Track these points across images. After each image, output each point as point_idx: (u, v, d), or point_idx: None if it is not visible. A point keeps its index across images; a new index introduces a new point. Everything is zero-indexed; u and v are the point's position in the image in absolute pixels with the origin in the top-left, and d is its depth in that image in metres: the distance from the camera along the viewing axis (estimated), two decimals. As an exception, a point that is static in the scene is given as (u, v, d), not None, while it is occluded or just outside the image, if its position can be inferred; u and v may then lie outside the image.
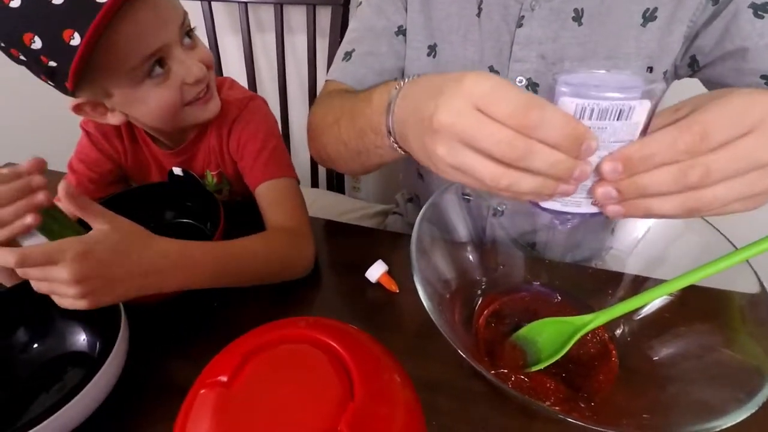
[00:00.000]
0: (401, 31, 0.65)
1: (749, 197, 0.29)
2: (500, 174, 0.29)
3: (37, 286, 0.40)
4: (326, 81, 0.68)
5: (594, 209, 0.32)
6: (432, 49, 0.64)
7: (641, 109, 0.28)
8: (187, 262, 0.46)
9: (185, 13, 0.53)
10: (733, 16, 0.49)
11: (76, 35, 0.42)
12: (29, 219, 0.40)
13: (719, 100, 0.28)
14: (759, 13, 0.48)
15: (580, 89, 0.28)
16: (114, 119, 0.55)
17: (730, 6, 0.49)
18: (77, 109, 0.53)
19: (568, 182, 0.29)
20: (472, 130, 0.29)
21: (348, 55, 0.66)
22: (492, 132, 0.28)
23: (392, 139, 0.42)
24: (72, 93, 0.49)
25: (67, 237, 0.40)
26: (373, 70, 0.65)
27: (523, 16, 0.56)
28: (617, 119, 0.28)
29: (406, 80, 0.41)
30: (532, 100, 0.27)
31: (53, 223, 0.42)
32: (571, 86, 0.28)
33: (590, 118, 0.28)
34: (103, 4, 0.42)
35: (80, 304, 0.40)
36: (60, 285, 0.39)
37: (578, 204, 0.32)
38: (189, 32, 0.53)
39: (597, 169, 0.30)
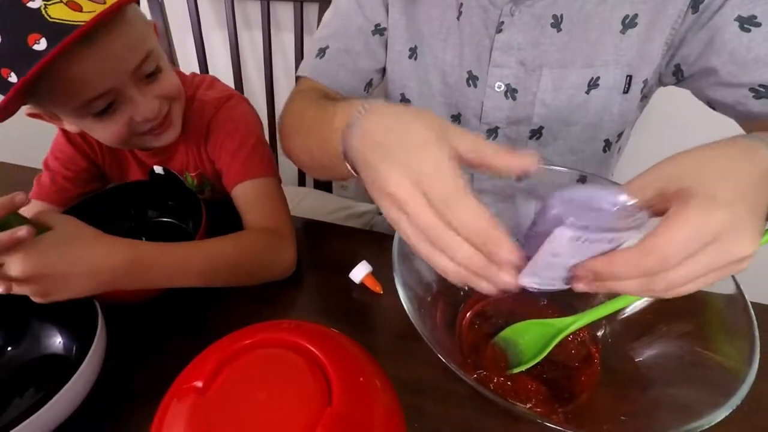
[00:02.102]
0: (378, 31, 0.64)
1: (712, 283, 0.31)
2: (426, 251, 0.32)
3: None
4: (298, 77, 0.66)
5: (563, 287, 0.35)
6: (413, 52, 0.63)
7: (626, 236, 0.31)
8: (138, 264, 0.45)
9: (149, 52, 0.49)
10: (718, 28, 0.48)
11: (13, 75, 0.42)
12: None
13: (676, 218, 0.29)
14: (745, 26, 0.47)
15: (576, 213, 0.30)
16: (70, 127, 0.55)
17: (715, 18, 0.49)
18: (32, 115, 0.51)
19: (491, 279, 0.31)
20: (407, 206, 0.31)
21: (321, 52, 0.64)
22: (419, 214, 0.30)
23: (348, 165, 0.40)
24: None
25: None
26: (346, 69, 0.64)
27: (502, 22, 0.55)
28: (605, 243, 0.31)
29: (365, 108, 0.37)
30: (456, 194, 0.29)
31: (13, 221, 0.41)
32: (565, 210, 0.30)
33: (581, 243, 0.31)
34: (41, 53, 0.40)
35: (36, 299, 0.41)
36: (14, 284, 0.40)
37: (553, 285, 0.35)
38: (152, 71, 0.51)
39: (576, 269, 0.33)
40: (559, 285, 0.36)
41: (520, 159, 0.32)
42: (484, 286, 0.32)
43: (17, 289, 0.40)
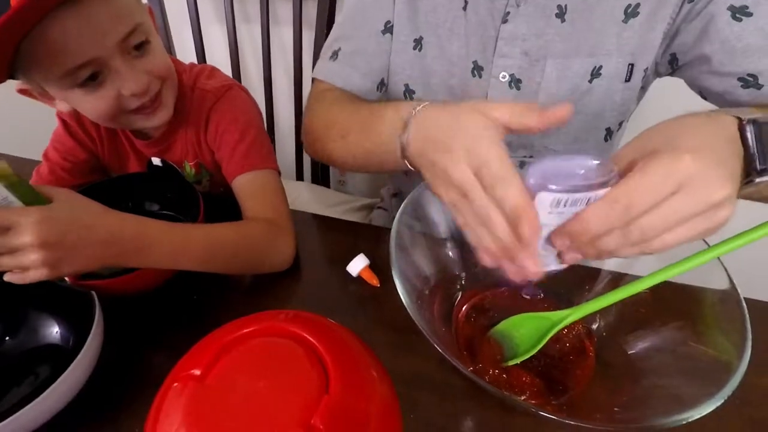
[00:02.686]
0: (388, 29, 0.64)
1: (696, 235, 0.32)
2: (476, 229, 0.36)
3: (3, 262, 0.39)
4: (314, 79, 0.67)
5: (562, 266, 0.38)
6: (418, 43, 0.63)
7: (602, 194, 0.33)
8: (144, 239, 0.46)
9: (138, 24, 0.49)
10: (712, 17, 0.49)
11: None
12: None
13: (641, 169, 0.31)
14: (737, 16, 0.48)
15: (553, 180, 0.33)
16: (62, 106, 0.54)
17: (709, 6, 0.49)
18: (23, 92, 0.51)
19: (516, 256, 0.35)
20: (471, 191, 0.35)
21: (335, 54, 0.65)
22: (480, 198, 0.35)
23: (406, 162, 0.46)
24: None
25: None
26: (360, 71, 0.64)
27: (508, 12, 0.56)
28: (585, 205, 0.33)
29: (421, 107, 0.44)
30: (507, 175, 0.34)
31: (21, 194, 0.41)
32: (543, 178, 0.33)
33: (563, 206, 0.33)
34: (15, 7, 0.39)
35: (42, 273, 0.40)
36: (22, 254, 0.39)
37: (548, 265, 0.38)
38: (141, 44, 0.50)
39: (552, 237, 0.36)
40: (553, 264, 0.38)
41: (555, 113, 0.36)
42: (513, 270, 0.36)
43: (24, 259, 0.39)
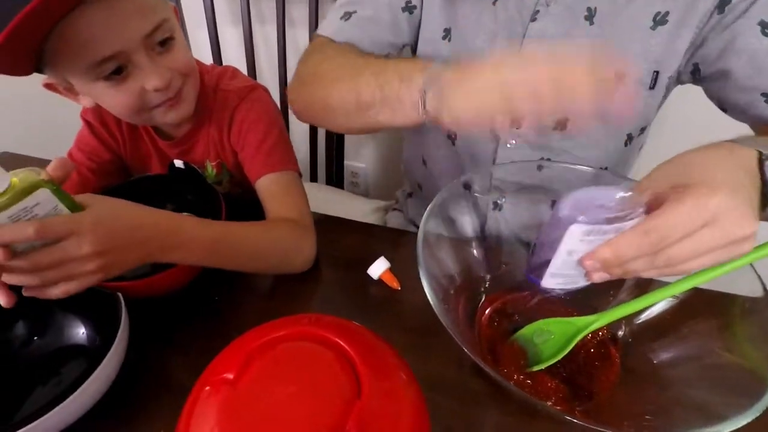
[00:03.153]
0: (409, 8, 0.63)
1: (718, 263, 0.35)
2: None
3: (45, 276, 0.38)
4: (317, 35, 0.65)
5: (586, 284, 0.40)
6: (447, 33, 0.63)
7: (629, 225, 0.35)
8: (181, 234, 0.46)
9: (163, 21, 0.49)
10: (740, 30, 0.49)
11: None
12: None
13: (676, 203, 0.33)
14: (766, 31, 0.48)
15: (585, 212, 0.35)
16: (85, 101, 0.55)
17: (739, 20, 0.49)
18: (49, 86, 0.52)
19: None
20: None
21: (348, 15, 0.63)
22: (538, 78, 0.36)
23: (423, 93, 0.43)
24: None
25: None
26: (371, 38, 0.63)
27: (537, 11, 0.56)
28: (613, 234, 0.36)
29: (445, 63, 0.43)
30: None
31: (63, 201, 0.40)
32: (575, 209, 0.36)
33: (593, 236, 0.36)
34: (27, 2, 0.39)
35: (92, 280, 0.40)
36: (76, 263, 0.38)
37: (576, 282, 0.40)
38: (165, 40, 0.51)
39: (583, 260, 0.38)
40: (581, 282, 0.40)
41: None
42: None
43: (77, 268, 0.39)
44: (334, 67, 0.55)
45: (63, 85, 0.52)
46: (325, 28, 0.64)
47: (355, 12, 0.63)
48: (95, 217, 0.40)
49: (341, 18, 0.63)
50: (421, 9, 0.64)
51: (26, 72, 0.47)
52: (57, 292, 0.39)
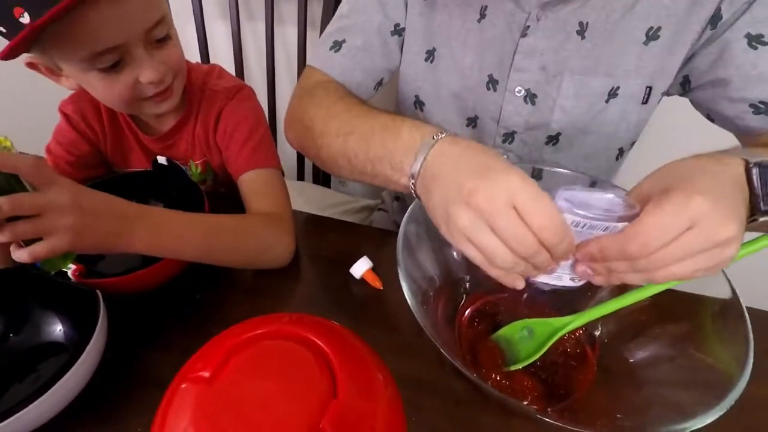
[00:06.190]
0: (397, 31, 0.63)
1: (701, 271, 0.34)
2: (511, 261, 0.35)
3: (23, 229, 0.37)
4: (309, 67, 0.64)
5: (570, 283, 0.42)
6: (430, 54, 0.63)
7: (621, 227, 0.36)
8: (152, 217, 0.47)
9: (163, 16, 0.51)
10: (728, 43, 0.50)
11: (26, 15, 0.42)
12: None
13: (655, 209, 0.33)
14: (753, 44, 0.49)
15: (579, 207, 0.36)
16: (68, 83, 0.55)
17: (726, 33, 0.50)
18: (30, 65, 0.52)
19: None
20: (505, 224, 0.34)
21: (337, 45, 0.62)
22: (521, 234, 0.33)
23: (412, 182, 0.42)
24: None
25: None
26: (363, 67, 0.63)
27: (528, 26, 0.55)
28: (602, 231, 0.37)
29: (444, 134, 0.41)
30: (561, 225, 0.34)
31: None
32: (571, 203, 0.36)
33: (582, 228, 0.37)
34: None
35: (63, 242, 0.39)
36: (55, 216, 0.38)
37: (560, 278, 0.41)
38: (162, 38, 0.52)
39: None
40: (566, 278, 0.41)
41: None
42: (519, 284, 0.38)
43: (53, 221, 0.38)
44: (331, 116, 0.54)
45: (46, 66, 0.52)
46: (314, 59, 0.64)
47: (344, 41, 0.62)
48: (75, 184, 0.41)
49: (330, 49, 0.63)
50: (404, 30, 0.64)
51: (16, 55, 0.46)
52: (24, 255, 0.38)
